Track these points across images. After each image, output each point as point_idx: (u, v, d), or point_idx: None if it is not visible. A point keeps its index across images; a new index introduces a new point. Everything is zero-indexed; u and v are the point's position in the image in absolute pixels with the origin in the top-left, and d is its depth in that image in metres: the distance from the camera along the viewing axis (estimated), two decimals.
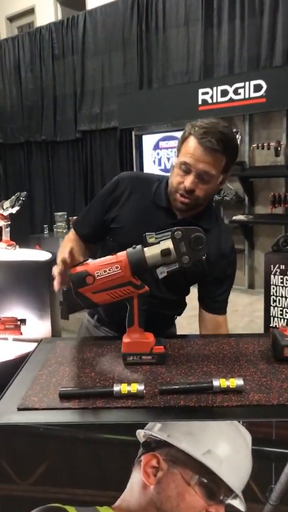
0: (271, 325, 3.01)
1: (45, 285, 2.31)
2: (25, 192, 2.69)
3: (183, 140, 1.33)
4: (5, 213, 2.57)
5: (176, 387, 0.98)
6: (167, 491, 0.87)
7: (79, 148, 6.66)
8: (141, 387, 0.95)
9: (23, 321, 2.18)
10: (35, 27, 7.15)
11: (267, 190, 4.79)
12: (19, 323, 2.17)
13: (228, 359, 1.15)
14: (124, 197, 1.42)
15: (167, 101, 4.93)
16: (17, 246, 2.67)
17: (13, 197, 2.62)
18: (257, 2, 4.71)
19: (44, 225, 5.57)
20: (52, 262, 2.37)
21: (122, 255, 1.12)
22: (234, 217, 4.65)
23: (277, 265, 2.91)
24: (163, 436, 0.88)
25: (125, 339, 1.14)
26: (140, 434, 0.88)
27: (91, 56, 6.24)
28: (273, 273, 2.93)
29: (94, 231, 1.49)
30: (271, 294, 2.96)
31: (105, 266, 1.10)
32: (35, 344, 1.32)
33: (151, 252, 1.11)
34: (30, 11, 7.88)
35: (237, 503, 0.86)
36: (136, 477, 0.88)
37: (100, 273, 1.10)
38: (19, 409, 0.94)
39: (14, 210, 2.60)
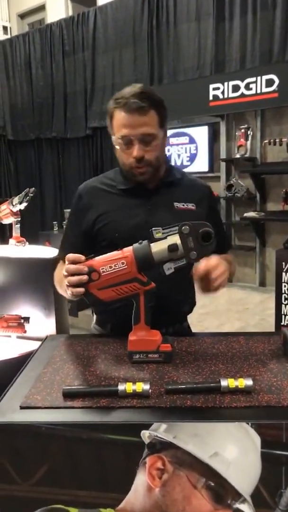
0: (282, 323, 2.96)
1: (50, 282, 2.29)
2: (33, 188, 2.67)
3: (110, 118, 1.34)
4: (14, 209, 2.56)
5: (183, 386, 0.95)
6: (172, 494, 0.84)
7: (89, 145, 6.64)
8: (146, 387, 0.92)
9: (26, 319, 2.15)
10: (46, 24, 7.14)
11: (279, 187, 4.73)
12: (22, 321, 2.14)
13: (237, 358, 1.12)
14: (94, 201, 1.42)
15: (177, 97, 4.88)
16: (27, 243, 2.65)
17: (22, 193, 2.60)
18: None
19: (54, 222, 5.56)
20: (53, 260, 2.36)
21: (128, 250, 1.09)
22: (245, 214, 4.60)
23: None
24: (169, 438, 0.85)
25: (131, 337, 1.11)
26: (145, 435, 0.86)
27: (102, 52, 6.21)
28: (284, 270, 2.89)
29: (80, 248, 1.44)
30: (283, 292, 2.92)
31: (111, 261, 1.08)
32: (39, 342, 1.29)
33: (158, 247, 1.08)
34: (41, 8, 7.89)
35: (245, 507, 0.83)
36: (141, 479, 0.86)
37: (106, 269, 1.07)
38: (21, 408, 0.92)
39: (22, 206, 2.58)
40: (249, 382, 0.94)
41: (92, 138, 6.57)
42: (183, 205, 1.40)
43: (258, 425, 0.84)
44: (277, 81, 4.30)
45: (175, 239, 1.07)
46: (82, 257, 1.10)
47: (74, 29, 6.51)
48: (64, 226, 1.56)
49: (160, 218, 1.35)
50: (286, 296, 2.90)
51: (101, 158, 6.52)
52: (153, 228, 1.09)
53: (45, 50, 6.95)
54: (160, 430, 0.85)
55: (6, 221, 2.69)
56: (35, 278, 2.31)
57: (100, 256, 1.10)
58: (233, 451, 0.85)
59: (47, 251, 2.73)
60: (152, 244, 1.08)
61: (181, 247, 1.06)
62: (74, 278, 1.09)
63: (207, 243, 1.07)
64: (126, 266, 1.07)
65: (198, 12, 5.20)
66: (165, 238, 1.08)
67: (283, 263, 2.89)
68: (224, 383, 0.93)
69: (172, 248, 1.06)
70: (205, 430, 0.85)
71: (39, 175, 7.38)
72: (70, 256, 1.12)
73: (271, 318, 3.87)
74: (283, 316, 2.93)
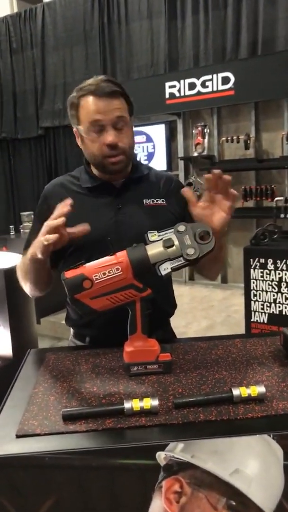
0: (252, 320, 2.97)
1: (4, 295, 2.23)
2: None
3: (75, 109, 1.25)
4: None
5: (193, 399, 0.89)
6: None
7: (42, 145, 6.47)
8: (155, 402, 0.85)
9: None
10: None
11: (238, 184, 4.78)
12: None
13: (239, 363, 1.07)
14: (58, 202, 1.28)
15: (133, 95, 4.78)
16: None
17: None
18: None
19: (10, 226, 5.35)
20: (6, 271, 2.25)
21: (122, 255, 1.01)
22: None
23: (256, 259, 2.87)
24: (186, 457, 0.78)
25: (128, 348, 1.04)
26: (161, 456, 0.78)
27: (52, 50, 6.05)
28: (252, 267, 2.90)
29: None
30: (251, 288, 2.92)
31: (104, 268, 0.99)
32: None
33: (154, 249, 1.01)
34: None
35: None
36: (157, 505, 0.79)
37: (99, 276, 0.99)
38: (18, 436, 0.82)
39: None
40: (261, 389, 0.88)
41: (45, 138, 6.39)
42: (153, 201, 1.33)
43: (280, 436, 0.79)
44: (233, 78, 4.33)
45: (171, 237, 1.01)
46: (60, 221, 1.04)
47: (21, 26, 6.31)
48: (31, 227, 1.44)
49: (131, 216, 1.28)
50: (255, 293, 2.91)
51: (55, 158, 6.36)
52: (148, 232, 1.02)
53: None
54: (177, 450, 0.78)
55: None
56: None
57: (92, 263, 1.01)
58: (254, 466, 0.80)
59: (8, 258, 2.59)
60: (147, 246, 1.01)
61: (177, 244, 1.00)
62: (51, 236, 1.03)
63: (205, 242, 1.01)
64: (121, 272, 0.99)
65: (150, 10, 5.17)
66: (161, 240, 1.02)
67: (251, 259, 2.89)
68: (236, 392, 0.88)
69: (168, 244, 0.99)
70: (225, 446, 0.79)
71: None
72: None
73: (237, 314, 3.90)
74: (252, 313, 2.94)
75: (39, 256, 1.08)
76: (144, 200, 1.32)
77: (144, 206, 1.31)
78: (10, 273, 2.23)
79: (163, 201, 1.33)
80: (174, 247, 1.00)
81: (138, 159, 5.44)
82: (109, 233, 1.21)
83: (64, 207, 1.08)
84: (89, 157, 1.30)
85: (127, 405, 0.85)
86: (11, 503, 0.78)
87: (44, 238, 1.05)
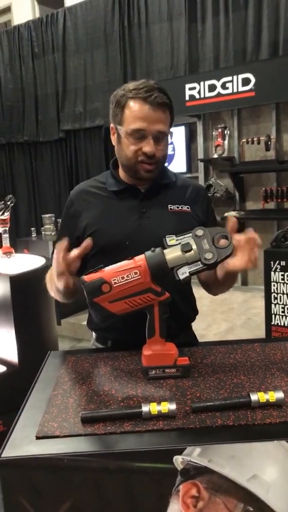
0: (272, 323, 2.94)
1: (9, 301, 2.24)
2: (10, 196, 2.55)
3: (121, 108, 1.25)
4: (4, 217, 2.45)
5: (210, 404, 0.89)
6: None
7: (63, 148, 6.52)
8: (172, 406, 0.86)
9: None
10: (13, 26, 6.97)
11: (258, 186, 4.74)
12: None
13: (258, 368, 1.06)
14: (84, 206, 1.35)
15: None
16: (11, 254, 2.53)
17: (1, 205, 2.49)
18: None
19: (32, 228, 5.41)
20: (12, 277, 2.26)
21: (140, 259, 1.02)
22: (225, 214, 4.58)
23: (277, 262, 2.84)
24: (204, 462, 0.78)
25: (146, 352, 1.04)
26: (178, 460, 0.79)
27: (73, 54, 6.10)
28: (273, 270, 2.87)
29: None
30: (272, 291, 2.90)
31: (123, 272, 1.00)
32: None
33: (172, 253, 1.01)
34: (7, 10, 7.70)
35: None
36: (174, 509, 0.79)
37: (118, 280, 1.00)
38: (37, 438, 0.83)
39: (5, 216, 2.47)
40: (280, 394, 0.88)
41: (66, 141, 6.45)
42: (178, 207, 1.34)
43: None
44: (253, 80, 4.29)
45: (189, 241, 1.01)
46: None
47: (43, 31, 6.38)
48: (58, 232, 1.48)
49: (154, 221, 1.29)
50: (276, 296, 2.88)
51: (76, 161, 6.40)
52: (166, 236, 1.03)
53: (13, 53, 6.78)
54: (194, 455, 0.79)
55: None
56: None
57: (110, 267, 1.02)
58: (272, 472, 0.80)
59: (33, 260, 2.62)
60: (165, 251, 1.02)
61: (195, 248, 1.00)
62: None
63: (224, 246, 1.01)
64: (139, 276, 1.00)
65: (170, 12, 5.16)
66: (179, 244, 1.02)
67: (272, 262, 2.87)
68: (254, 397, 0.88)
69: (186, 248, 1.00)
70: (242, 451, 0.79)
71: (11, 181, 7.20)
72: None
73: (257, 317, 3.87)
74: (273, 316, 2.91)
75: (60, 288, 1.16)
76: (169, 205, 1.33)
77: (168, 211, 1.32)
78: (16, 280, 2.26)
79: (188, 207, 1.34)
80: (192, 252, 1.00)
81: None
82: (132, 237, 1.22)
83: (59, 252, 1.12)
84: (122, 158, 1.31)
85: (145, 408, 0.86)
86: (31, 504, 0.79)
87: (57, 285, 1.16)
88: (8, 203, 2.48)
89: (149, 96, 1.20)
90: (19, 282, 2.27)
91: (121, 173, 1.36)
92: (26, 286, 2.31)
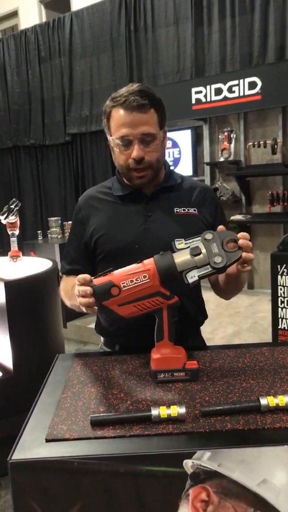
0: (279, 327, 2.93)
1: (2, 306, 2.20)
2: (13, 199, 2.55)
3: (107, 118, 1.28)
4: (4, 222, 2.45)
5: (220, 408, 0.89)
6: None
7: (69, 151, 6.54)
8: (182, 410, 0.86)
9: None
10: (20, 30, 7.02)
11: (264, 189, 4.73)
12: None
13: (267, 372, 1.06)
14: (91, 212, 1.37)
15: None
16: (17, 258, 2.53)
17: (4, 208, 2.49)
18: None
19: (38, 231, 5.43)
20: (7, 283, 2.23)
21: (149, 262, 1.02)
22: (232, 217, 4.58)
23: (284, 265, 2.83)
24: (213, 466, 0.78)
25: (155, 355, 1.04)
26: (188, 464, 0.79)
27: (79, 58, 6.12)
28: (280, 273, 2.86)
29: (82, 263, 1.38)
30: (279, 295, 2.88)
31: (132, 275, 1.01)
32: None
33: (181, 257, 1.01)
34: (14, 14, 7.75)
35: None
36: None
37: (127, 284, 1.00)
38: (47, 441, 0.83)
39: (11, 220, 2.47)
40: None
41: (72, 144, 6.47)
42: (184, 210, 1.33)
43: None
44: (259, 83, 4.30)
45: (198, 245, 1.01)
46: (88, 277, 1.04)
47: (49, 35, 6.41)
48: (67, 240, 1.49)
49: (160, 224, 1.29)
50: (283, 300, 2.87)
51: (82, 164, 6.42)
52: (175, 239, 1.03)
53: (20, 56, 6.82)
54: (204, 459, 0.79)
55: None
56: None
57: (119, 270, 1.03)
58: (282, 477, 0.79)
59: (39, 263, 2.63)
60: (174, 254, 1.02)
61: (204, 252, 1.00)
62: (83, 300, 1.04)
63: (232, 250, 1.01)
64: (148, 280, 1.00)
65: (176, 16, 5.18)
66: (188, 247, 1.02)
67: (278, 266, 2.86)
68: (263, 401, 0.88)
69: (195, 252, 1.00)
70: (252, 456, 0.79)
71: (17, 183, 7.23)
72: (80, 277, 1.05)
73: (263, 321, 3.85)
74: (279, 320, 2.90)
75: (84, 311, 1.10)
76: (174, 208, 1.33)
77: (174, 214, 1.32)
78: (11, 285, 2.24)
79: (194, 210, 1.34)
80: (201, 255, 1.00)
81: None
82: (138, 240, 1.22)
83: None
84: (117, 167, 1.33)
85: (154, 412, 0.86)
86: (40, 506, 0.79)
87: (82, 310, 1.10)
88: (12, 206, 2.48)
89: (125, 101, 1.21)
90: (14, 288, 2.24)
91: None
92: (23, 291, 2.27)
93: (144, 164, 1.25)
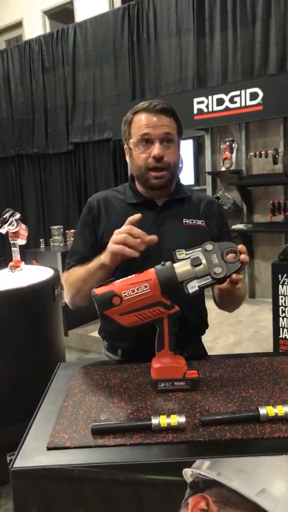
0: (280, 336, 2.93)
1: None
2: (6, 209, 2.50)
3: (129, 124, 1.34)
4: (3, 232, 2.44)
5: (219, 417, 0.89)
6: None
7: (71, 160, 6.59)
8: (182, 419, 0.87)
9: None
10: (24, 40, 7.10)
11: (265, 198, 4.76)
12: None
13: (266, 382, 1.07)
14: (102, 215, 1.39)
15: None
16: (17, 268, 2.52)
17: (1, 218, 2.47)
18: (249, 11, 4.71)
19: (40, 239, 5.46)
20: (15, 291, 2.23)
21: (150, 272, 1.03)
22: (233, 226, 4.60)
23: (285, 275, 2.84)
24: (213, 475, 0.79)
25: (155, 364, 1.05)
26: (188, 473, 0.79)
27: (82, 68, 6.20)
28: (281, 283, 2.87)
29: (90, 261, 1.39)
30: (280, 304, 2.89)
31: (133, 285, 1.02)
32: None
33: (182, 267, 1.03)
34: (18, 25, 7.85)
35: None
36: None
37: (128, 293, 1.02)
38: (48, 449, 0.84)
39: (3, 231, 2.45)
40: None
41: (74, 153, 6.52)
42: (192, 221, 1.37)
43: None
44: (261, 94, 4.34)
45: (199, 255, 1.03)
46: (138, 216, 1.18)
47: (53, 45, 6.49)
48: (74, 235, 1.49)
49: (169, 234, 1.31)
50: (284, 309, 2.88)
51: (84, 173, 6.47)
52: (176, 250, 1.05)
53: (24, 67, 6.90)
54: (203, 468, 0.79)
55: (20, 242, 2.54)
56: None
57: (120, 280, 1.04)
58: (281, 486, 0.80)
59: (40, 272, 2.64)
60: (175, 265, 1.04)
61: (204, 262, 1.02)
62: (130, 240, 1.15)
63: (232, 261, 1.03)
64: (149, 290, 1.01)
65: (179, 27, 5.24)
66: (188, 258, 1.04)
67: (279, 275, 2.87)
68: (263, 411, 0.88)
69: (196, 263, 1.02)
70: (251, 465, 0.80)
71: (20, 192, 7.28)
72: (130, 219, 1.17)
73: (264, 330, 3.85)
74: (281, 329, 2.91)
75: (109, 264, 1.19)
76: (184, 219, 1.36)
77: (183, 226, 1.35)
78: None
79: (202, 222, 1.37)
80: (201, 266, 1.02)
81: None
82: (148, 249, 1.24)
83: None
84: (134, 170, 1.35)
85: (154, 421, 0.87)
86: None
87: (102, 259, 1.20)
88: (6, 216, 2.42)
89: (149, 105, 1.29)
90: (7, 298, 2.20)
91: (138, 186, 1.39)
92: (9, 304, 2.22)
93: (163, 164, 1.29)
